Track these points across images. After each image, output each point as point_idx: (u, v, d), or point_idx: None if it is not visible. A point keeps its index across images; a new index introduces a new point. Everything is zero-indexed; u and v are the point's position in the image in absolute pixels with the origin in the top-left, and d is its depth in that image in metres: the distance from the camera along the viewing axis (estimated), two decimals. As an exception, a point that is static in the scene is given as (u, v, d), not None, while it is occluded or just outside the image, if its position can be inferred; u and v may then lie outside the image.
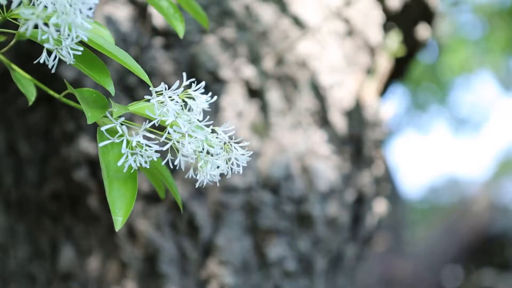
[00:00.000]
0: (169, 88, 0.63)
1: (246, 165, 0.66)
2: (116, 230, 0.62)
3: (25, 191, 1.34)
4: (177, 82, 0.63)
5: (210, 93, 0.66)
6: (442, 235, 4.55)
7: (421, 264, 4.24)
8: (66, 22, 0.58)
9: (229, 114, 1.27)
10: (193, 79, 0.66)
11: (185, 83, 0.65)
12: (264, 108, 1.30)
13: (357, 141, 1.41)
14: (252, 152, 0.66)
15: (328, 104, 1.35)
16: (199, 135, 0.62)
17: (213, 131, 0.64)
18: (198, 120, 0.63)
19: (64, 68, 1.23)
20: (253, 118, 1.30)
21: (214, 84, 1.27)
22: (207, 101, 0.65)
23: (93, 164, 1.26)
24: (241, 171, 0.65)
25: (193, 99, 0.65)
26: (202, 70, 1.26)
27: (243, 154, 0.65)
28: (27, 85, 0.71)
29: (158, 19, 1.26)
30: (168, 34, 1.27)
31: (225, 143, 0.64)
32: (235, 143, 0.65)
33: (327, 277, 1.38)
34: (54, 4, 0.57)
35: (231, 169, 0.65)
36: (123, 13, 1.27)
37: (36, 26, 0.58)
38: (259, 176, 1.28)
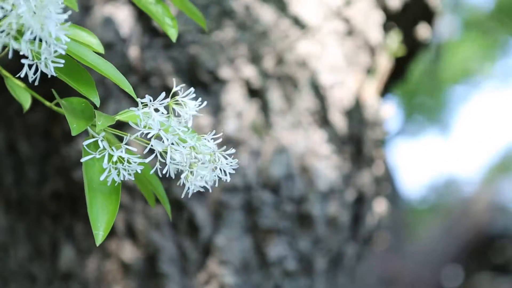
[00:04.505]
0: (155, 99, 0.62)
1: (234, 172, 0.65)
2: (97, 245, 0.62)
3: (25, 191, 1.34)
4: (163, 94, 0.62)
5: (200, 99, 0.65)
6: (442, 235, 4.55)
7: (421, 264, 4.24)
8: (41, 37, 0.55)
9: (229, 114, 1.27)
10: (183, 85, 0.65)
11: (175, 89, 0.64)
12: (264, 108, 1.30)
13: (357, 141, 1.41)
14: (238, 161, 0.65)
15: (328, 104, 1.35)
16: (180, 148, 0.61)
17: (199, 139, 0.63)
18: (184, 130, 0.62)
19: (64, 68, 1.23)
20: (253, 118, 1.30)
21: (214, 84, 1.27)
22: (197, 107, 0.64)
23: (93, 164, 1.26)
24: (228, 180, 0.64)
25: (182, 105, 0.64)
26: (202, 70, 1.26)
27: (230, 162, 0.64)
28: (20, 93, 0.70)
29: (158, 18, 1.26)
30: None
31: (211, 152, 0.63)
32: (222, 151, 0.64)
33: (327, 276, 1.38)
34: (19, 20, 0.54)
35: (219, 178, 0.64)
36: (123, 13, 1.27)
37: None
38: (259, 175, 1.28)
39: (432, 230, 4.89)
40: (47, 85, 0.74)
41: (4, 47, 0.64)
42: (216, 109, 1.27)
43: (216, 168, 0.64)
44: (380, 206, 1.53)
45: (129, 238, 1.27)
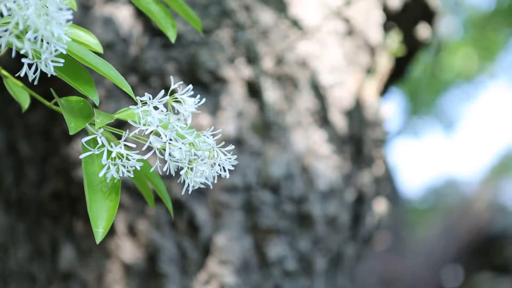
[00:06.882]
0: (154, 97, 0.62)
1: (233, 168, 0.65)
2: (97, 242, 0.61)
3: (25, 191, 1.34)
4: (162, 91, 0.62)
5: (198, 96, 0.65)
6: (442, 235, 4.55)
7: (421, 264, 4.24)
8: (43, 36, 0.56)
9: (229, 114, 1.27)
10: (180, 82, 0.65)
11: (173, 86, 0.64)
12: (264, 108, 1.30)
13: (357, 141, 1.41)
14: (236, 156, 0.65)
15: (328, 104, 1.35)
16: (179, 144, 0.61)
17: (198, 136, 0.63)
18: (183, 126, 0.62)
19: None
20: (253, 117, 1.30)
21: (214, 83, 1.27)
22: (195, 104, 0.64)
23: (93, 164, 1.26)
24: (227, 176, 0.64)
25: (181, 102, 0.64)
26: (202, 70, 1.26)
27: (228, 159, 0.64)
28: (19, 93, 0.70)
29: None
30: (168, 34, 1.27)
31: (210, 149, 0.64)
32: (220, 147, 0.64)
33: (327, 276, 1.38)
34: (25, 20, 0.55)
35: (218, 174, 0.64)
36: (123, 13, 1.27)
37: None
38: (259, 175, 1.28)
39: (432, 230, 4.89)
40: (47, 85, 0.74)
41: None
42: (216, 109, 1.27)
43: (215, 164, 0.64)
44: (380, 206, 1.53)
45: (129, 238, 1.27)
